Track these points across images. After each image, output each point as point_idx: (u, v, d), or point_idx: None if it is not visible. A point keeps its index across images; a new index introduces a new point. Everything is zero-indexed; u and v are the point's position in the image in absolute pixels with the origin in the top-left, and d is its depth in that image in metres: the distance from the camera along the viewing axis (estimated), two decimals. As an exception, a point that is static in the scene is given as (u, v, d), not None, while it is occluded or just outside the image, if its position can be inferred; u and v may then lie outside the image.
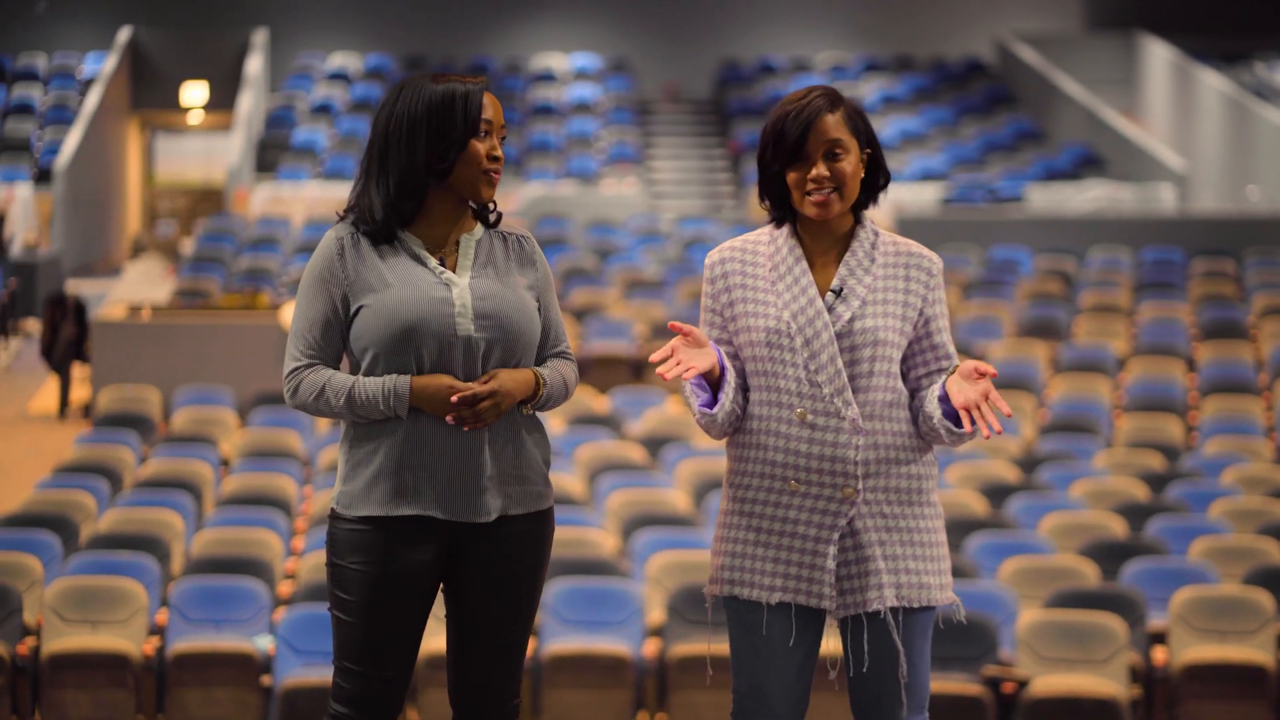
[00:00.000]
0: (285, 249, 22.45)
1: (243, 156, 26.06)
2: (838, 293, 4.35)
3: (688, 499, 12.30)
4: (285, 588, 10.66)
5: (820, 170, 4.32)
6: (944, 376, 4.36)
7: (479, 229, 4.45)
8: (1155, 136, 28.33)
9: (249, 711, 9.71)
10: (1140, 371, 16.95)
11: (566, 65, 31.26)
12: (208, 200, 29.87)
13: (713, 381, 4.35)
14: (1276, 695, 9.92)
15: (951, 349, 4.41)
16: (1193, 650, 10.00)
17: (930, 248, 4.56)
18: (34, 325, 21.66)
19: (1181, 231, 21.95)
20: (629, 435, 14.46)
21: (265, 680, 9.71)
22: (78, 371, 18.16)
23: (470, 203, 4.42)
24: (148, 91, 29.62)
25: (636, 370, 17.63)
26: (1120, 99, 29.96)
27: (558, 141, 28.56)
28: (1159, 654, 10.16)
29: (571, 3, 31.94)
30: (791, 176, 4.35)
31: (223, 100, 29.22)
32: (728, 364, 4.35)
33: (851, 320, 4.33)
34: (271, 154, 27.82)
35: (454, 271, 4.36)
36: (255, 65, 28.52)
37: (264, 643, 9.81)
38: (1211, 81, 27.32)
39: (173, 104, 29.89)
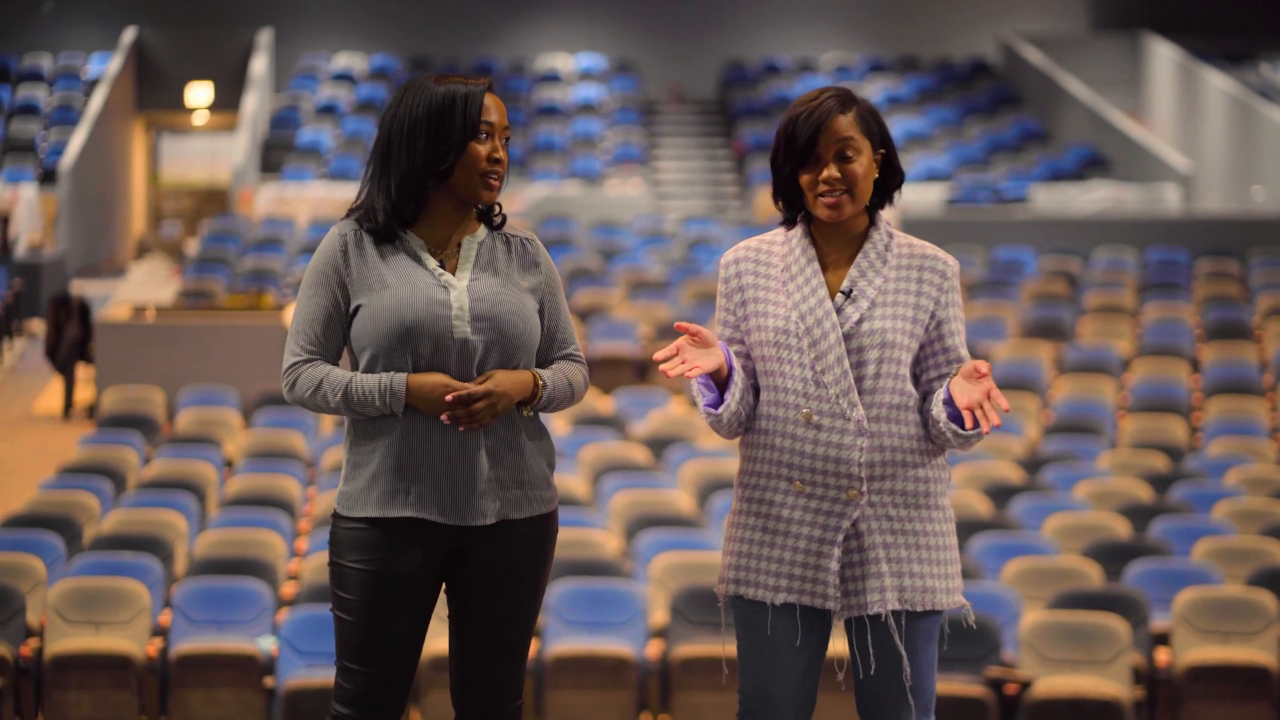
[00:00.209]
0: (290, 249, 22.46)
1: (247, 157, 26.07)
2: (847, 294, 4.35)
3: (691, 500, 12.30)
4: (288, 589, 10.66)
5: (831, 171, 4.32)
6: (948, 380, 4.35)
7: (482, 231, 4.45)
8: (1160, 137, 28.31)
9: (252, 712, 9.71)
10: (1144, 372, 16.94)
11: (571, 66, 31.26)
12: (213, 201, 29.90)
13: (720, 382, 4.35)
14: (1279, 696, 9.92)
15: (964, 352, 4.38)
16: (1196, 651, 9.99)
17: (938, 249, 4.55)
18: (38, 326, 21.67)
19: (1186, 232, 21.94)
20: (633, 436, 14.46)
21: (268, 681, 9.71)
22: (82, 372, 18.17)
23: (476, 204, 4.42)
24: (153, 92, 29.64)
25: (641, 371, 17.63)
26: (1125, 99, 29.95)
27: (562, 142, 28.56)
28: (1162, 655, 10.16)
29: (576, 3, 31.94)
30: (804, 178, 4.35)
31: (228, 101, 29.24)
32: (736, 364, 4.35)
33: (860, 321, 4.33)
34: (276, 154, 27.83)
35: (454, 273, 4.37)
36: (260, 66, 28.54)
37: (267, 644, 9.81)
38: (1217, 82, 27.30)
39: (178, 104, 29.93)
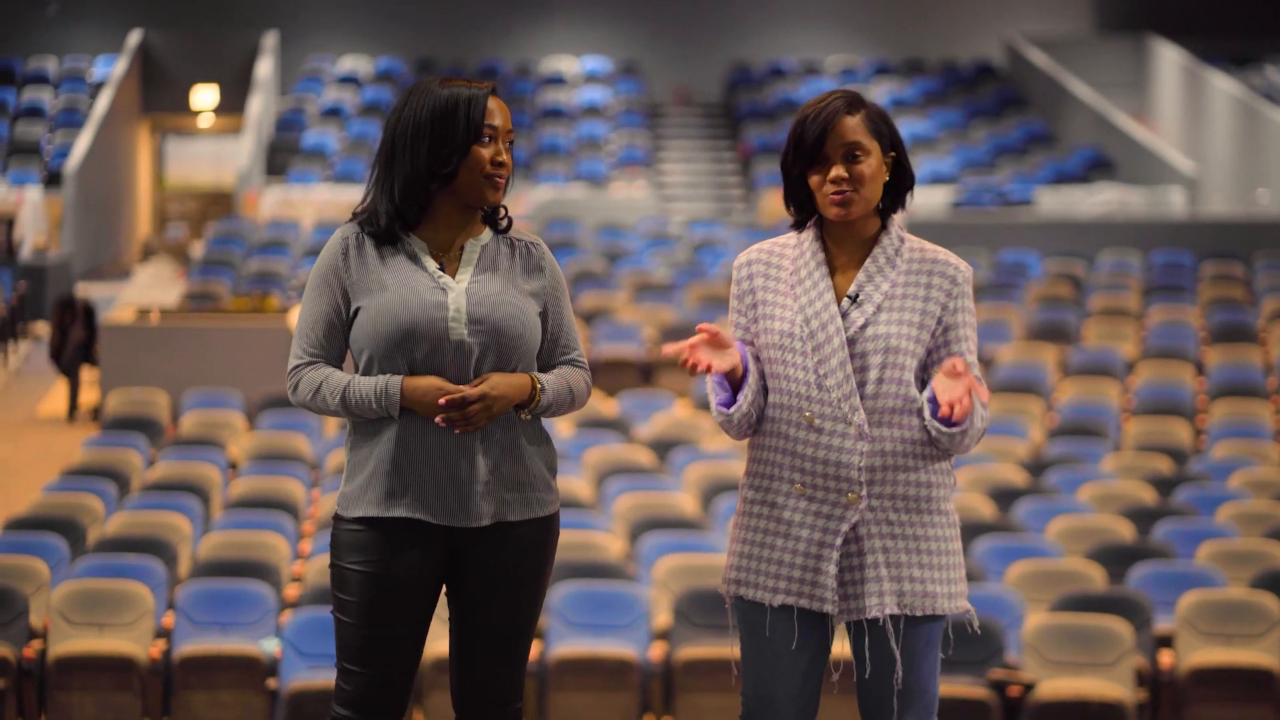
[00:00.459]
0: (295, 252, 22.48)
1: (253, 160, 26.09)
2: (853, 298, 4.35)
3: (695, 502, 12.30)
4: (292, 591, 10.67)
5: (839, 171, 4.32)
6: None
7: (486, 234, 4.46)
8: (1165, 140, 28.31)
9: (255, 715, 9.71)
10: (1149, 375, 16.94)
11: (576, 68, 31.27)
12: (218, 203, 29.91)
13: (735, 382, 4.36)
14: (1283, 699, 9.92)
15: (972, 359, 4.36)
16: (1199, 654, 9.99)
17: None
18: (43, 328, 21.69)
19: (1191, 235, 21.94)
20: (637, 438, 14.47)
21: (271, 683, 9.71)
22: (86, 374, 18.18)
23: (480, 207, 4.43)
24: (158, 94, 29.66)
25: (645, 373, 17.64)
26: (1130, 102, 29.95)
27: (567, 145, 28.56)
28: (1165, 658, 10.15)
29: (581, 6, 31.95)
30: (812, 179, 4.35)
31: (233, 103, 29.25)
32: (751, 365, 4.36)
33: (864, 326, 4.32)
34: (281, 157, 27.85)
35: (455, 276, 4.37)
36: (265, 68, 28.56)
37: (270, 646, 9.82)
38: (1222, 84, 27.30)
39: (183, 107, 29.95)
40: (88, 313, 18.17)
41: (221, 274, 21.39)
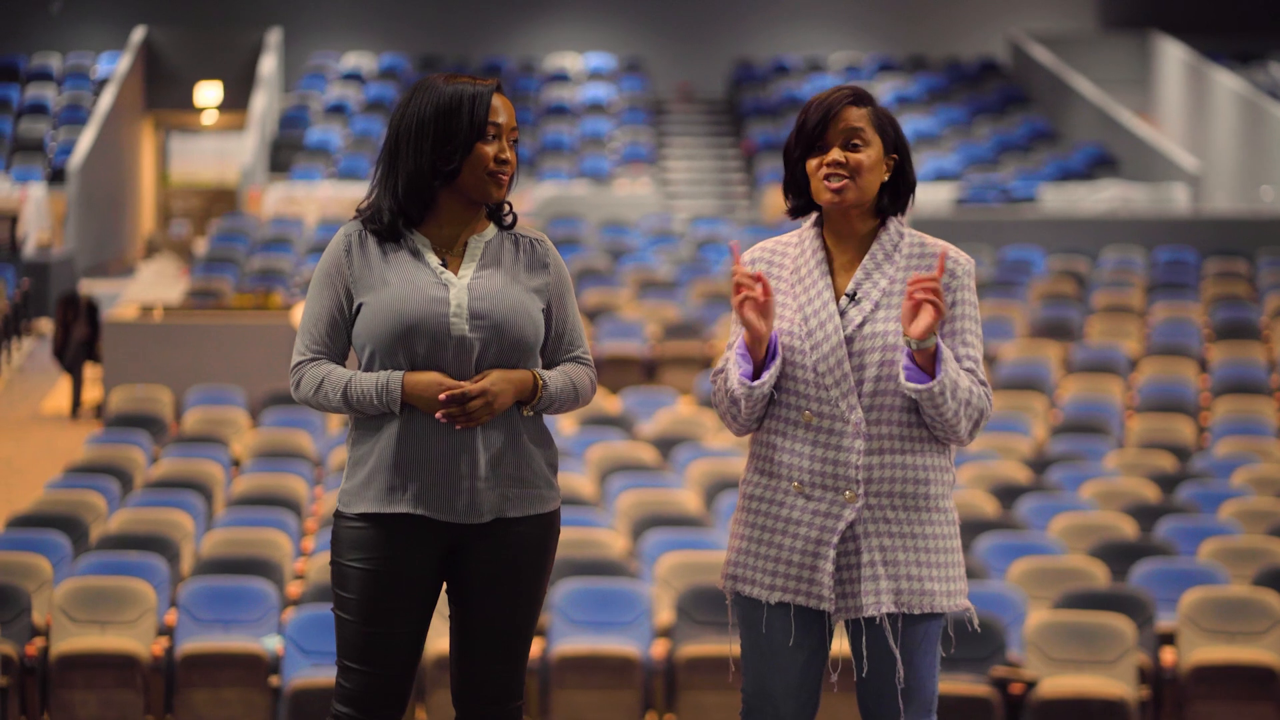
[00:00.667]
0: (298, 249, 22.48)
1: (256, 156, 26.09)
2: (852, 296, 4.35)
3: (698, 500, 12.30)
4: (294, 588, 10.67)
5: (836, 155, 4.32)
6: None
7: (491, 230, 4.46)
8: (1169, 137, 28.29)
9: (257, 712, 9.72)
10: (1152, 372, 16.93)
11: (580, 65, 31.27)
12: (221, 200, 29.90)
13: (758, 363, 4.34)
14: (1286, 697, 9.92)
15: (973, 352, 4.34)
16: (1201, 651, 9.99)
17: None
18: (46, 325, 21.70)
19: (1195, 232, 21.93)
20: (640, 436, 14.46)
21: (274, 681, 9.72)
22: (89, 371, 18.19)
23: (484, 204, 4.43)
24: (162, 91, 29.66)
25: (648, 370, 17.64)
26: (1134, 99, 29.92)
27: (571, 142, 28.56)
28: (1168, 655, 10.15)
29: (585, 3, 31.94)
30: (811, 164, 4.36)
31: (236, 100, 29.26)
32: (779, 347, 4.35)
33: (862, 324, 4.33)
34: (285, 154, 27.85)
35: (458, 272, 4.37)
36: (269, 65, 28.56)
37: (273, 643, 9.82)
38: (1226, 82, 27.28)
39: (187, 104, 29.94)
40: (91, 310, 18.17)
41: (225, 271, 21.39)
